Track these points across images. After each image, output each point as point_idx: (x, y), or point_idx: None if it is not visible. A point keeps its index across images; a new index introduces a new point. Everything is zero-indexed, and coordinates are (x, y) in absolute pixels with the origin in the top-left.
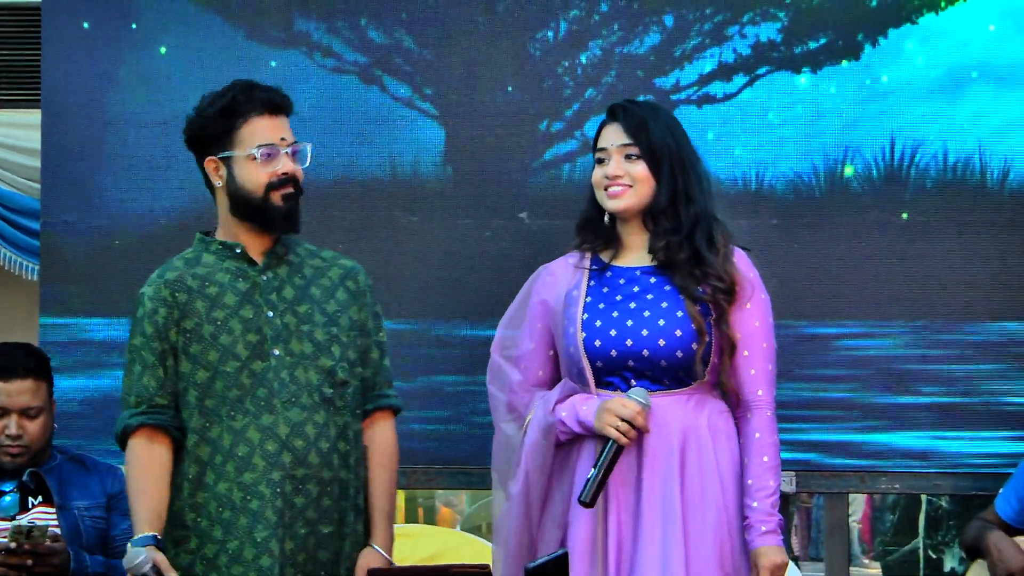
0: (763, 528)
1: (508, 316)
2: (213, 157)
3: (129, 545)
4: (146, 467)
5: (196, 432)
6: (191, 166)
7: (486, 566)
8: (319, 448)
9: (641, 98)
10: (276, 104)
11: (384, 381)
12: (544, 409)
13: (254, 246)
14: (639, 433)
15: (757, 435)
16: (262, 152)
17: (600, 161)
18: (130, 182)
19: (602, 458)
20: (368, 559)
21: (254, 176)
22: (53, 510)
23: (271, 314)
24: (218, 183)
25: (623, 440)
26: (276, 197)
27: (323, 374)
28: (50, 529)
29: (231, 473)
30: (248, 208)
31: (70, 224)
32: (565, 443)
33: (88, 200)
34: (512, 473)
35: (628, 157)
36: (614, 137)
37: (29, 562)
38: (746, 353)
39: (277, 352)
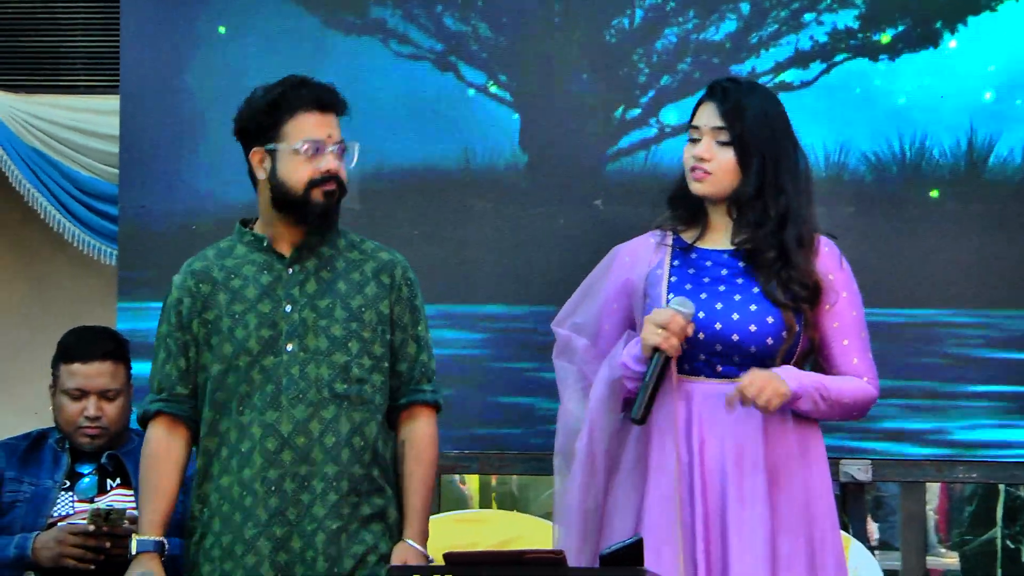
0: (793, 371)
1: (578, 295)
2: (259, 149)
3: (134, 538)
4: (162, 462)
5: (207, 424)
6: None
7: (561, 552)
8: (323, 444)
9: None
10: (325, 101)
11: (421, 376)
12: (610, 364)
13: (288, 239)
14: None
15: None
16: (307, 148)
17: (693, 140)
18: (207, 167)
19: (649, 369)
20: (402, 554)
21: (297, 171)
22: (131, 492)
23: (288, 309)
24: (261, 175)
25: (664, 345)
26: (317, 194)
27: (335, 369)
28: (128, 511)
29: (234, 468)
30: (288, 202)
31: (148, 209)
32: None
33: (165, 185)
34: (579, 437)
35: (720, 142)
36: (709, 117)
37: (107, 544)
38: (845, 342)
39: (291, 348)
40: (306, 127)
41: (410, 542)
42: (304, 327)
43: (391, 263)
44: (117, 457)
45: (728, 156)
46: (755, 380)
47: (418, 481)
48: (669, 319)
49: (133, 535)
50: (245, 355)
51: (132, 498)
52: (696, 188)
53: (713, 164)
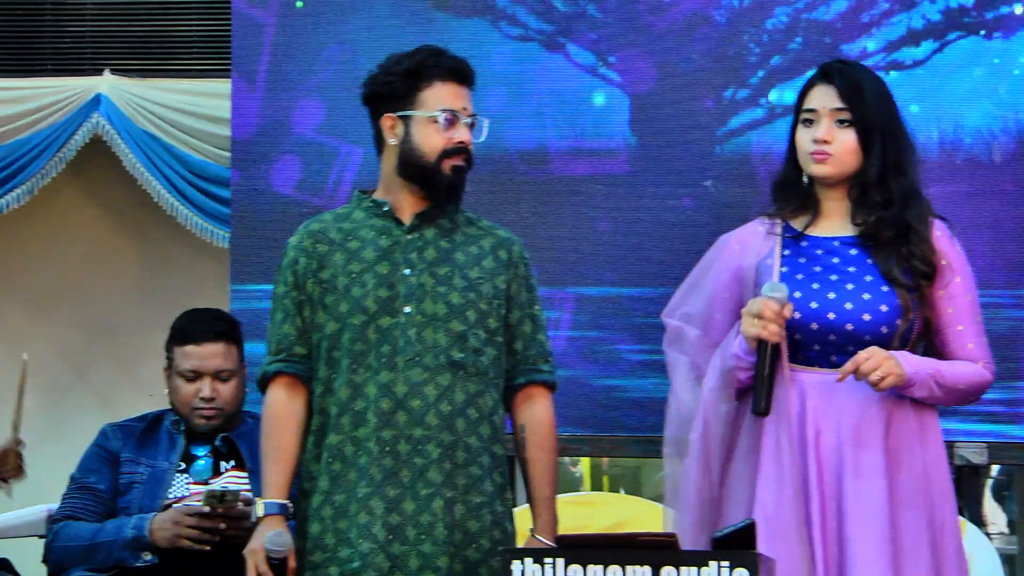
0: (910, 357)
1: (687, 287)
2: (391, 114)
3: (258, 501)
4: (283, 423)
5: (322, 383)
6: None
7: (673, 535)
8: (439, 410)
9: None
10: (462, 73)
11: (538, 355)
12: (722, 354)
13: (409, 207)
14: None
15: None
16: (445, 117)
17: (808, 122)
18: (318, 149)
19: (760, 360)
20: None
21: (431, 139)
22: (245, 474)
23: (407, 272)
24: (392, 140)
25: (764, 334)
26: (447, 165)
27: (453, 337)
28: (242, 493)
29: (346, 426)
30: (417, 170)
31: (259, 192)
32: (748, 394)
33: (277, 167)
34: (692, 426)
35: (840, 123)
36: (826, 99)
37: (222, 525)
38: (960, 327)
39: (408, 310)
40: (443, 96)
41: (538, 537)
42: (422, 291)
43: (508, 240)
44: (231, 439)
45: (850, 137)
46: (873, 356)
47: (543, 469)
48: (762, 307)
49: (258, 499)
50: (361, 314)
51: (246, 480)
52: (817, 171)
53: (835, 146)
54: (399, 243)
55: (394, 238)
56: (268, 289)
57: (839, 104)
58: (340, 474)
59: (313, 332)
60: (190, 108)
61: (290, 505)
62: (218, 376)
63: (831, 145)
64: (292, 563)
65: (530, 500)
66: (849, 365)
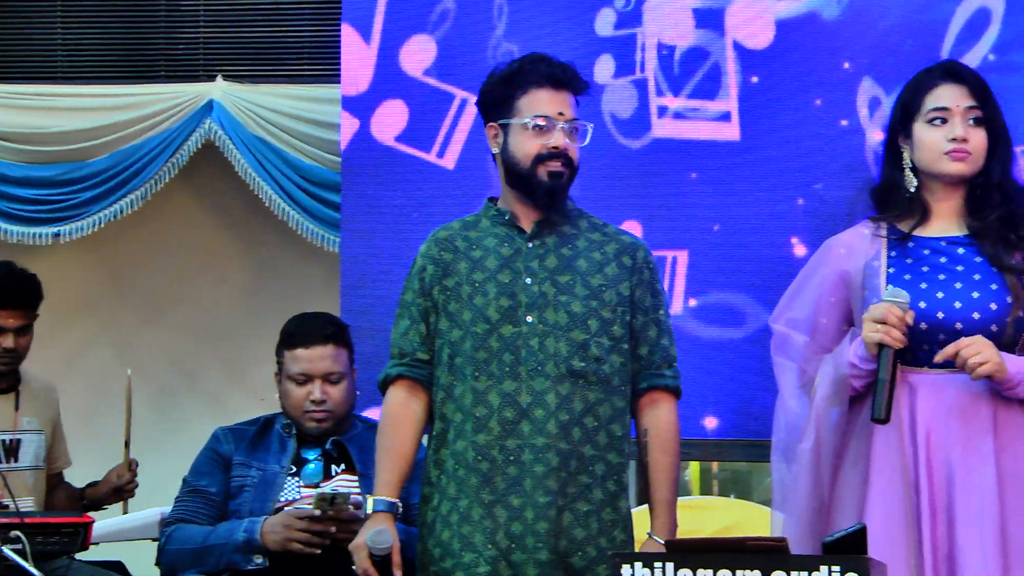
0: (1015, 358)
1: (792, 292)
2: (493, 123)
3: (369, 498)
4: (400, 423)
5: (444, 389)
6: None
7: (783, 539)
8: (558, 419)
9: None
10: (558, 79)
11: (662, 361)
12: (835, 362)
13: (527, 215)
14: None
15: None
16: (536, 123)
17: (937, 121)
18: (428, 96)
19: (881, 367)
20: (648, 550)
21: (525, 146)
22: (355, 478)
23: (528, 281)
24: (495, 149)
25: (887, 340)
26: (543, 171)
27: (574, 346)
28: (352, 496)
29: (469, 432)
30: (517, 177)
31: (369, 196)
32: (858, 401)
33: (388, 172)
34: (803, 435)
35: (974, 121)
36: (959, 98)
37: (332, 529)
38: None
39: (530, 319)
40: (537, 103)
41: (655, 538)
42: (544, 300)
43: (633, 245)
44: (341, 443)
45: (982, 136)
46: (975, 342)
47: (664, 472)
48: (885, 313)
49: (368, 496)
50: (484, 322)
51: (356, 483)
52: (954, 169)
53: (971, 144)
54: (520, 251)
55: (516, 246)
56: (377, 293)
57: (971, 103)
58: (464, 480)
59: (436, 338)
60: (301, 113)
61: (399, 504)
62: (328, 379)
63: (968, 143)
64: (396, 558)
65: (650, 502)
66: (950, 348)
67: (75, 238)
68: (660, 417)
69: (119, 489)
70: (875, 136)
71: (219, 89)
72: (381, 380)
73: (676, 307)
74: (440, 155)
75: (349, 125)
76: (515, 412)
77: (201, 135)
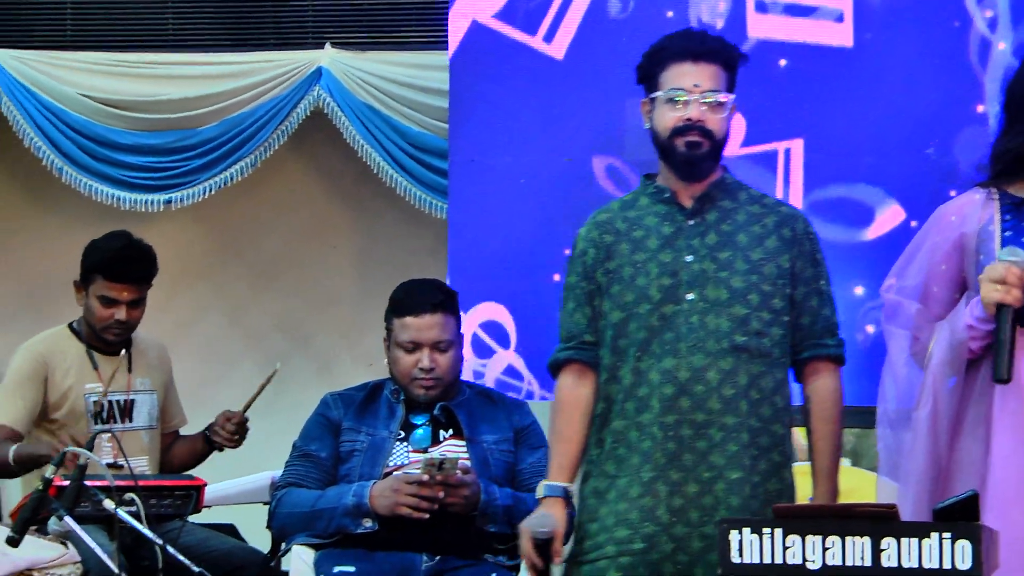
0: None
1: (904, 261)
2: (645, 99)
3: (542, 484)
4: (571, 408)
5: (607, 370)
6: (594, 105)
7: (893, 506)
8: (722, 394)
9: None
10: (695, 51)
11: (823, 330)
12: (951, 327)
13: (686, 191)
14: None
15: None
16: (670, 96)
17: None
18: (538, 120)
19: (1001, 326)
20: None
21: (663, 119)
22: (463, 443)
23: (689, 259)
24: (647, 125)
25: (1008, 299)
26: (680, 143)
27: (735, 322)
28: (460, 462)
29: (630, 412)
30: (660, 151)
31: (477, 163)
32: (972, 367)
33: (494, 139)
34: (919, 402)
35: None
36: None
37: (441, 494)
38: None
39: (691, 297)
40: (675, 76)
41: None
42: (704, 277)
43: (792, 217)
44: (449, 409)
45: None
46: None
47: (826, 441)
48: (1005, 272)
49: (541, 482)
50: (646, 303)
51: (464, 449)
52: None
53: None
54: (681, 229)
55: (676, 224)
56: (483, 259)
57: None
58: (624, 458)
59: (600, 320)
60: (409, 80)
61: (571, 488)
62: (436, 347)
63: None
64: (557, 546)
65: (812, 470)
66: None
67: (186, 205)
68: (823, 386)
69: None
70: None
71: (327, 56)
72: (551, 363)
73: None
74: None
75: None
76: (674, 388)
77: (310, 102)
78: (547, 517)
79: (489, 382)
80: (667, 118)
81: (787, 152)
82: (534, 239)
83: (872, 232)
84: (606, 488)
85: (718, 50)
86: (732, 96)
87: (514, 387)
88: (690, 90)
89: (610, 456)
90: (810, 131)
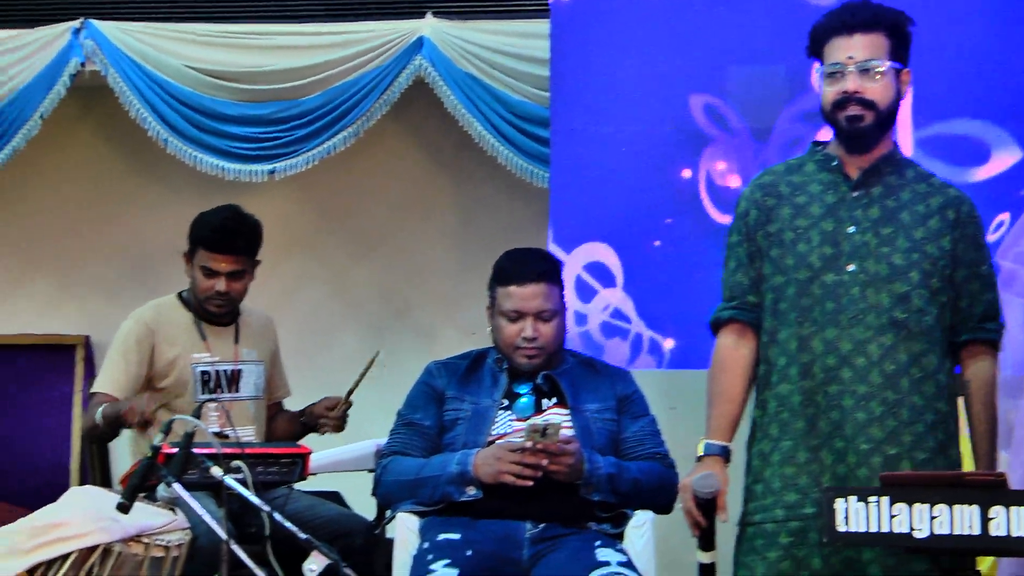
0: None
1: (1020, 227)
2: (814, 71)
3: (701, 442)
4: (729, 367)
5: (767, 333)
6: (692, 46)
7: (1002, 474)
8: (883, 369)
9: None
10: (847, 23)
11: (984, 314)
12: None
13: (853, 162)
14: None
15: None
16: (829, 71)
17: None
18: (639, 89)
19: None
20: None
21: (825, 94)
22: (566, 411)
23: (852, 230)
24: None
25: None
26: (841, 117)
27: (894, 298)
28: (563, 431)
29: (794, 376)
30: (828, 123)
31: (578, 131)
32: None
33: (596, 107)
34: None
35: None
36: None
37: (544, 462)
38: None
39: (851, 268)
40: (833, 50)
41: None
42: (866, 250)
43: (958, 199)
44: (552, 377)
45: None
46: None
47: (984, 424)
48: None
49: (701, 439)
50: (806, 269)
51: (568, 417)
52: None
53: None
54: (844, 200)
55: (840, 194)
56: (584, 227)
57: None
58: (788, 422)
59: (761, 283)
60: (510, 49)
61: (730, 446)
62: (540, 316)
63: None
64: (721, 502)
65: (973, 453)
66: None
67: (289, 175)
68: (982, 370)
69: (328, 413)
70: None
71: (429, 26)
72: (712, 321)
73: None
74: None
75: None
76: (836, 359)
77: (411, 72)
78: (710, 476)
79: (593, 327)
80: (828, 92)
81: None
82: (634, 206)
83: (985, 172)
84: (770, 451)
85: (872, 20)
86: (888, 63)
87: (621, 330)
88: (845, 62)
89: (774, 419)
90: (917, 63)
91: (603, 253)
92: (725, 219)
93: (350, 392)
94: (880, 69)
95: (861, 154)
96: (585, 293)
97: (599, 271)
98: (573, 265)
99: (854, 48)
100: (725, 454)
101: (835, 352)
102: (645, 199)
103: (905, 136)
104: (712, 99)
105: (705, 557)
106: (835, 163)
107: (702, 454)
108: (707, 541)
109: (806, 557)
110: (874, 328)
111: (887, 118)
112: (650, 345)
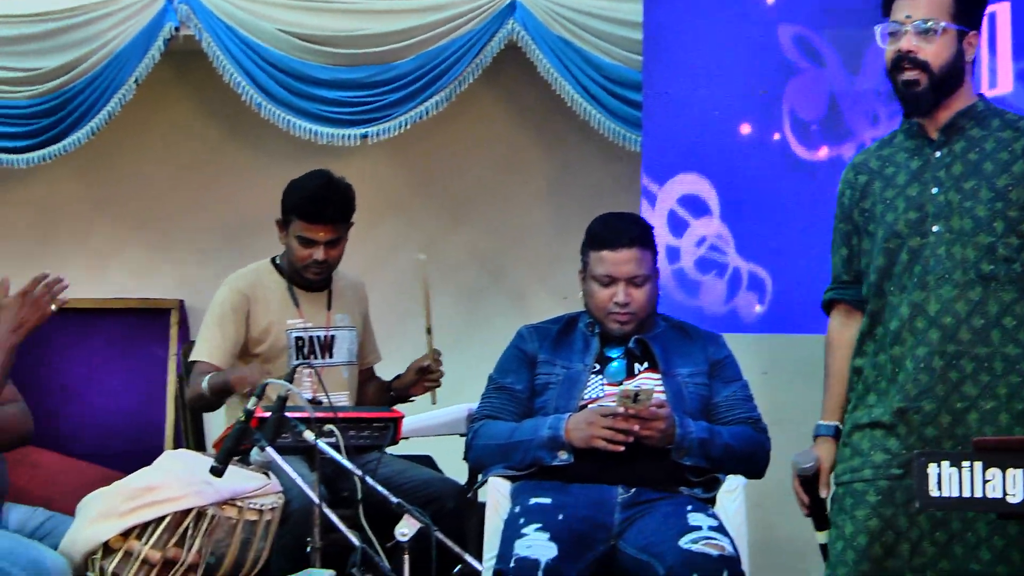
0: None
1: None
2: (877, 31)
3: (817, 426)
4: (836, 347)
5: (866, 306)
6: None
7: None
8: (971, 324)
9: None
10: None
11: None
12: None
13: (933, 122)
14: None
15: None
16: (889, 30)
17: None
18: (729, 52)
19: None
20: None
21: (887, 54)
22: (658, 376)
23: (935, 191)
24: None
25: None
26: (898, 80)
27: (980, 251)
28: (655, 395)
29: (887, 344)
30: (892, 85)
31: (670, 96)
32: None
33: (688, 71)
34: None
35: None
36: None
37: (636, 427)
38: None
39: (936, 229)
40: (895, 9)
41: None
42: (949, 209)
43: None
44: (644, 342)
45: None
46: None
47: None
48: None
49: (819, 421)
50: (895, 238)
51: (659, 382)
52: None
53: None
54: (928, 162)
55: (924, 157)
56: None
57: None
58: (883, 391)
59: (862, 258)
60: (603, 12)
61: (840, 426)
62: (632, 282)
63: None
64: (824, 478)
65: None
66: None
67: (382, 139)
68: None
69: (424, 375)
70: None
71: None
72: (823, 303)
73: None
74: None
75: None
76: (925, 321)
77: (504, 36)
78: (809, 453)
79: (688, 264)
80: (887, 52)
81: (991, 17)
82: (731, 170)
83: None
84: (862, 416)
85: None
86: (946, 24)
87: (719, 264)
88: (903, 21)
89: (868, 385)
90: None
91: (698, 184)
92: (807, 155)
93: (429, 329)
94: (935, 28)
95: (924, 117)
96: (678, 227)
97: (693, 203)
98: (666, 199)
99: (913, 7)
100: (835, 434)
101: (923, 314)
102: (736, 128)
103: (1005, 69)
104: (803, 30)
105: (821, 537)
106: (916, 128)
107: (815, 435)
108: (819, 520)
109: (893, 516)
110: (961, 285)
111: (943, 81)
112: (749, 280)
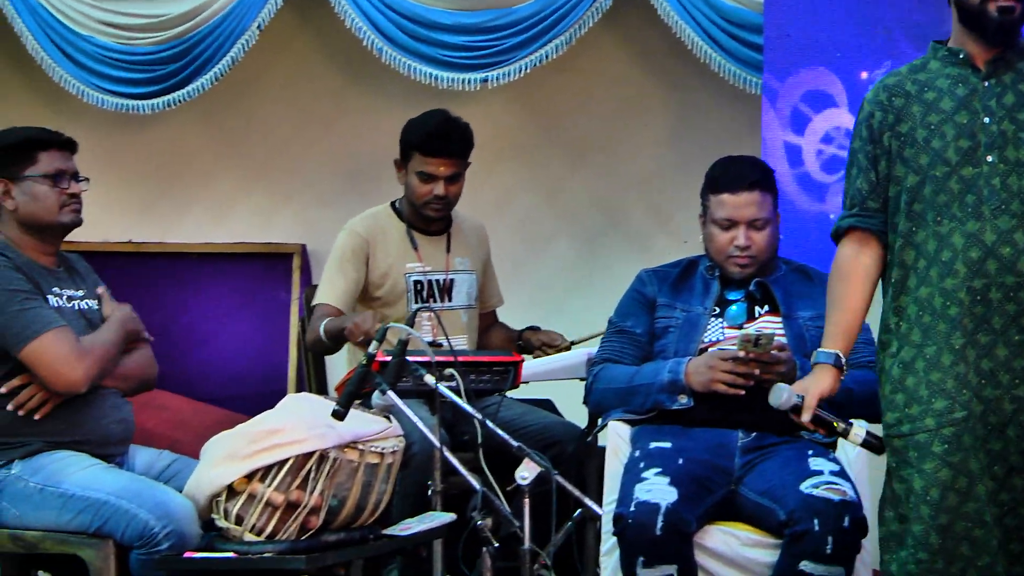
0: None
1: None
2: None
3: (816, 351)
4: (849, 276)
5: (902, 236)
6: None
7: None
8: None
9: None
10: None
11: None
12: None
13: (981, 53)
14: None
15: None
16: None
17: None
18: None
19: None
20: None
21: None
22: (779, 319)
23: (987, 120)
24: None
25: None
26: (992, 7)
27: None
28: (776, 338)
29: (934, 278)
30: (968, 15)
31: (791, 38)
32: None
33: (810, 12)
34: None
35: None
36: None
37: (756, 371)
38: None
39: (990, 159)
40: None
41: None
42: (1004, 139)
43: None
44: (765, 285)
45: None
46: None
47: None
48: None
49: (819, 348)
50: (943, 165)
51: (780, 325)
52: None
53: None
54: (977, 91)
55: (971, 86)
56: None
57: None
58: (930, 326)
59: (891, 185)
60: None
61: (841, 355)
62: (752, 225)
63: None
64: (809, 401)
65: None
66: None
67: (502, 84)
68: None
69: (547, 351)
70: None
71: None
72: (833, 232)
73: None
74: None
75: None
76: (980, 251)
77: None
78: (780, 388)
79: (812, 166)
80: None
81: None
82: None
83: None
84: (912, 358)
85: None
86: None
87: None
88: None
89: (915, 324)
90: None
91: (822, 78)
92: None
93: (574, 342)
94: None
95: (996, 47)
96: (800, 124)
97: (817, 98)
98: (789, 94)
99: None
100: (837, 362)
101: (978, 245)
102: (856, 73)
103: None
104: None
105: (854, 435)
106: (962, 55)
107: (814, 362)
108: (830, 431)
109: (963, 461)
110: (1019, 216)
111: None
112: None
